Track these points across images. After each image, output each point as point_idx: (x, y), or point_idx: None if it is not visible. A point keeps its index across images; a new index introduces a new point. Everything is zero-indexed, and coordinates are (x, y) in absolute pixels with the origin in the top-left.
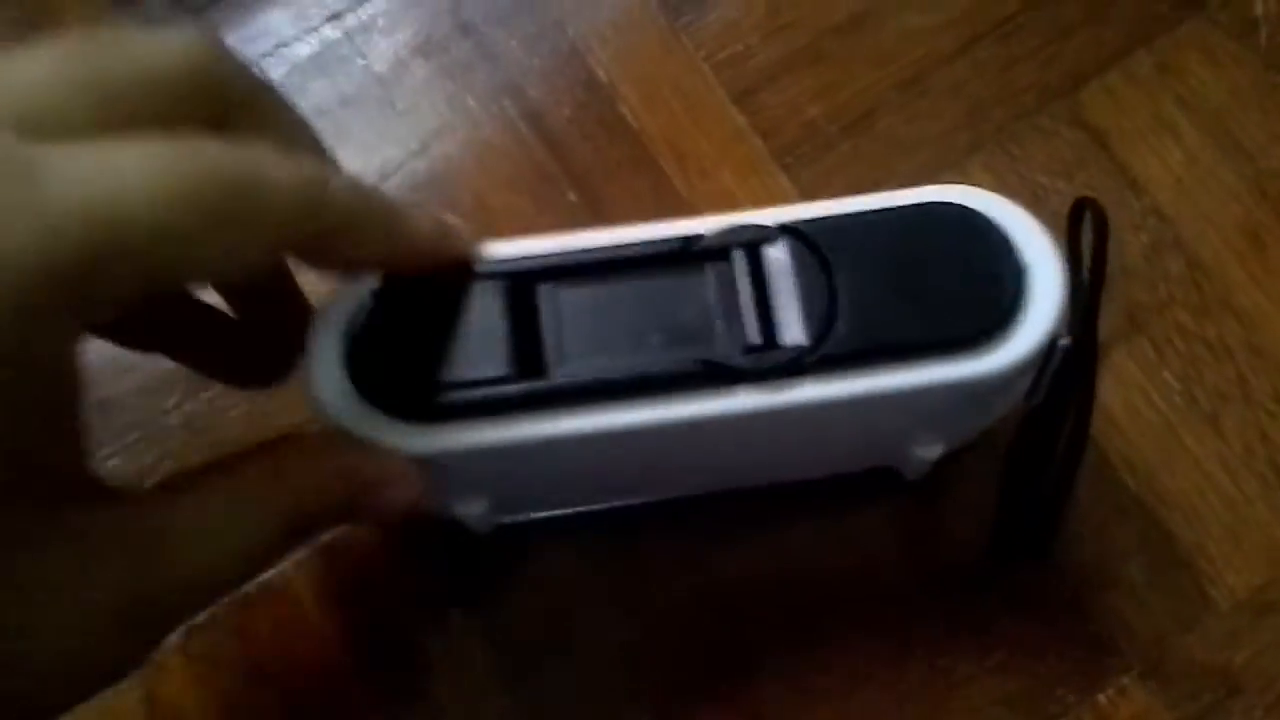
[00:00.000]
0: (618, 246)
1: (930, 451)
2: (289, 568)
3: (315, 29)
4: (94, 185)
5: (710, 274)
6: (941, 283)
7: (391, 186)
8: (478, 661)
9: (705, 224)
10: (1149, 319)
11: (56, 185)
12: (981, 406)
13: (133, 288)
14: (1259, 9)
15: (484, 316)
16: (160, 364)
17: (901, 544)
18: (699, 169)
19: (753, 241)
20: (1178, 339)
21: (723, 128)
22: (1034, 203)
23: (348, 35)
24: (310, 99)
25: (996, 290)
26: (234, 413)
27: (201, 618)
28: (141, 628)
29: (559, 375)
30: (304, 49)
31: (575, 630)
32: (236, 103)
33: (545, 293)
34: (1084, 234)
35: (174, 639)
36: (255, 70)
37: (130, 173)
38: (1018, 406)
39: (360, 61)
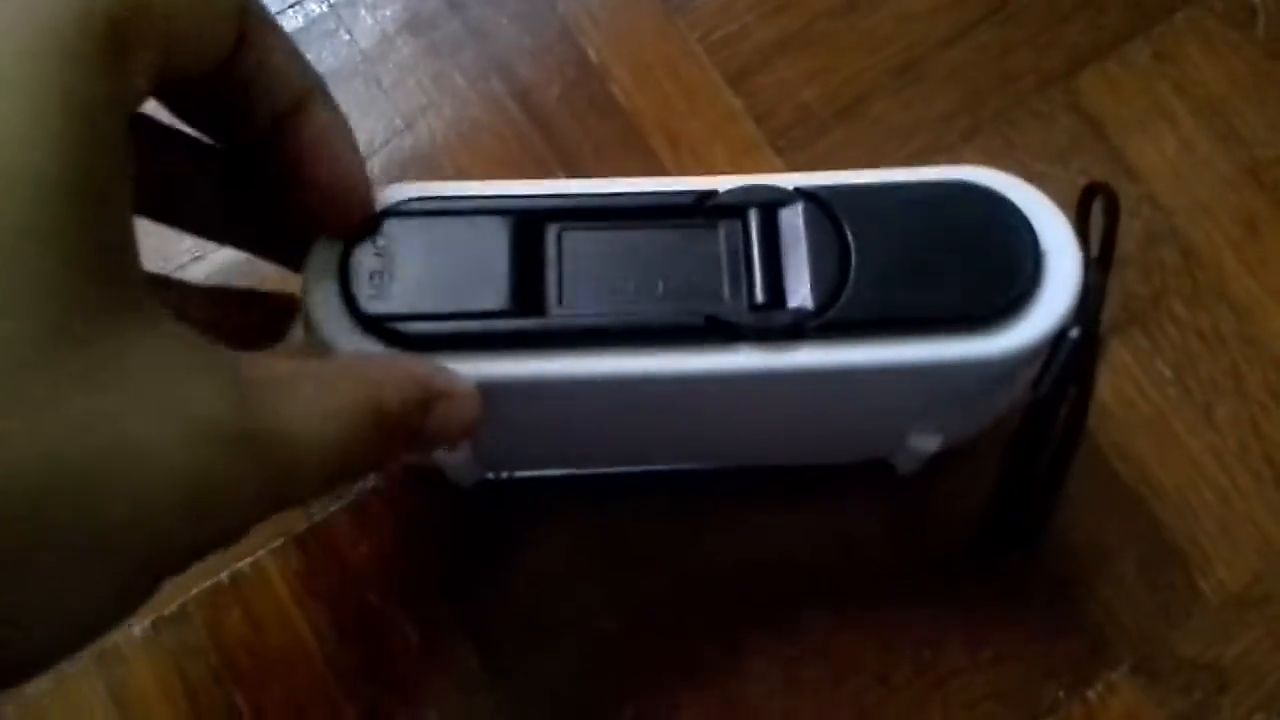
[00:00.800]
0: (630, 194)
1: (927, 443)
2: (263, 556)
3: (300, 3)
4: None
5: (722, 230)
6: (957, 261)
7: (375, 164)
8: (459, 655)
9: (721, 182)
10: (1143, 308)
11: None
12: (983, 394)
13: (155, 56)
14: None
15: (488, 250)
16: None
17: (890, 535)
18: (691, 150)
19: (769, 202)
20: (1172, 329)
21: (716, 109)
22: None
23: (333, 10)
24: None
25: (1012, 273)
26: None
27: (172, 608)
28: (248, 459)
29: (557, 316)
30: (288, 23)
31: (559, 619)
32: None
33: (553, 233)
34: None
35: (140, 630)
36: None
37: None
38: (1017, 404)
39: (345, 37)
